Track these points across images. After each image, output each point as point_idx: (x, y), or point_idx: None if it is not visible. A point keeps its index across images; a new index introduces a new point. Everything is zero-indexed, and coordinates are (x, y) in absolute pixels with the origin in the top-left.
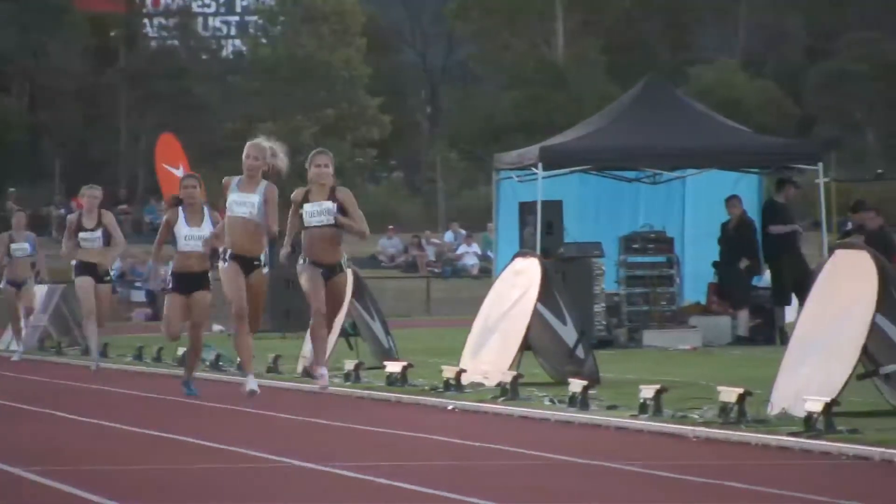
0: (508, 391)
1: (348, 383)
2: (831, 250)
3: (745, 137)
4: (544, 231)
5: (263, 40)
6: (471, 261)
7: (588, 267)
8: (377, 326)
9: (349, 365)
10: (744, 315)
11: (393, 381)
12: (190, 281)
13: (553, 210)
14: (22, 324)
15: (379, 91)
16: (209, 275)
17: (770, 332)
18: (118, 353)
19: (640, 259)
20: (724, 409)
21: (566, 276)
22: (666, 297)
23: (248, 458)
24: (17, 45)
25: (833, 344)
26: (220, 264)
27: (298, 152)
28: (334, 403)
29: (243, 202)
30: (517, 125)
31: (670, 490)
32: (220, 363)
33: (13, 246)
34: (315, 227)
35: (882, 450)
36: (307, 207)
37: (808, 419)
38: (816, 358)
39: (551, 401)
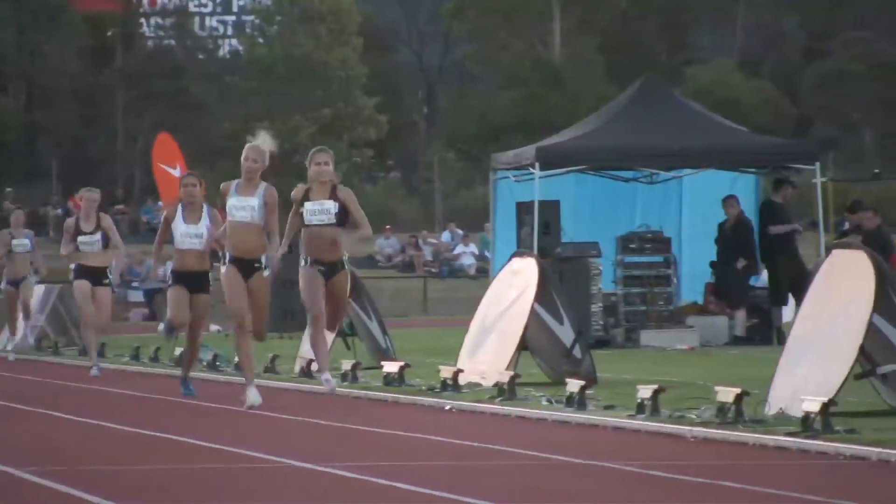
0: (506, 391)
1: (345, 383)
2: (828, 250)
3: (743, 137)
4: (541, 231)
5: (260, 40)
6: (468, 261)
7: (585, 267)
8: (374, 326)
9: (346, 365)
10: (741, 315)
11: (390, 381)
12: (190, 281)
13: (550, 210)
14: (20, 321)
15: (375, 91)
16: (209, 275)
17: (767, 332)
18: (115, 353)
19: (637, 259)
20: (722, 409)
21: (563, 276)
22: (663, 297)
23: (246, 459)
24: (13, 45)
25: (830, 344)
26: (221, 268)
27: (296, 152)
28: (332, 403)
29: (243, 206)
30: (514, 125)
31: (668, 490)
32: (218, 363)
33: (14, 242)
34: (315, 225)
35: (879, 450)
36: (308, 206)
37: (806, 419)
38: (813, 358)
39: (549, 401)
